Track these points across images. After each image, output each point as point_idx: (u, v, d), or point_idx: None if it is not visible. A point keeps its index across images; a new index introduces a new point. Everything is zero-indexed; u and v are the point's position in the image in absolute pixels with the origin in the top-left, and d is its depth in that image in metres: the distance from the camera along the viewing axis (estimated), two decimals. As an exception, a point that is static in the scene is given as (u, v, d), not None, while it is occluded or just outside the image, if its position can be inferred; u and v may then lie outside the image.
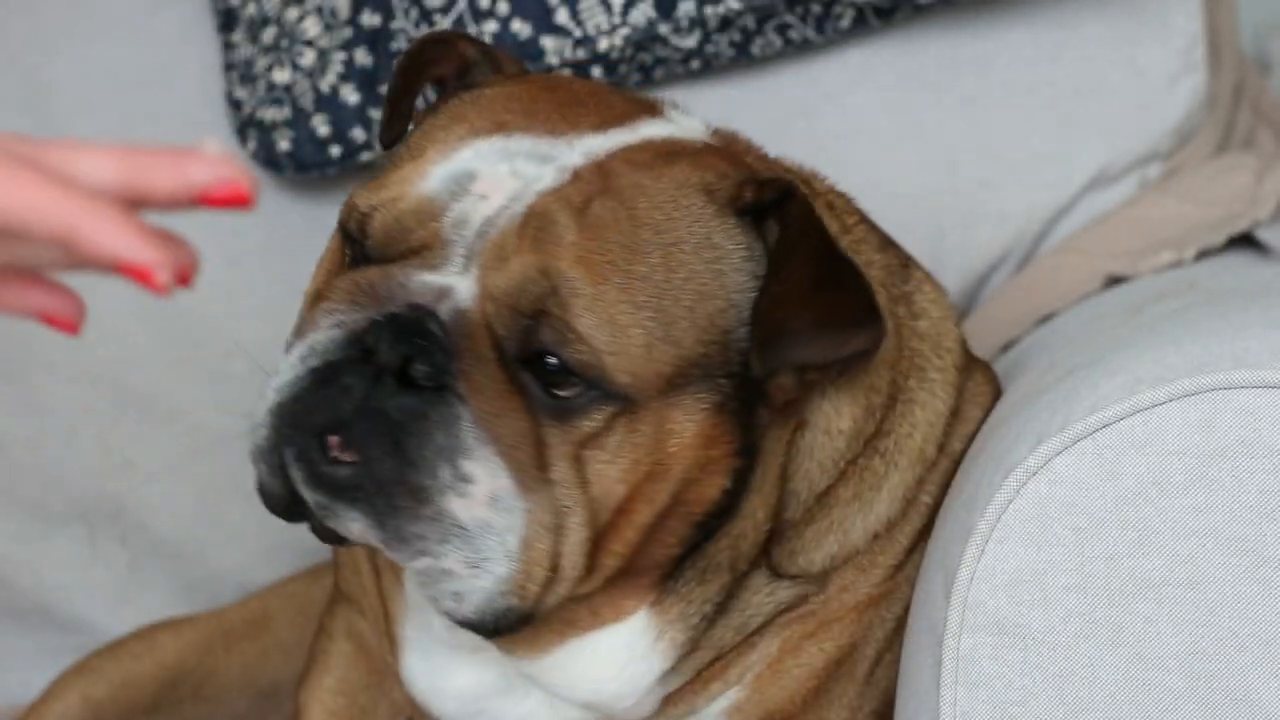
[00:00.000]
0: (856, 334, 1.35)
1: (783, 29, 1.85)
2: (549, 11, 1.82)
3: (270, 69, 1.87)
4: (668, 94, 1.83)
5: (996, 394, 1.53)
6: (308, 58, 1.86)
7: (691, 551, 1.39)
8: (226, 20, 1.90)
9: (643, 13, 1.81)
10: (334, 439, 1.29)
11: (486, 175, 1.33)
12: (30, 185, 0.98)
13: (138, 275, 0.98)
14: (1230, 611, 1.29)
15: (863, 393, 1.42)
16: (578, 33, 1.82)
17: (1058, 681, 1.31)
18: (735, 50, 1.85)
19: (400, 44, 1.83)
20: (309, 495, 1.31)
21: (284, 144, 1.86)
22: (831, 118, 1.89)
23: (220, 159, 1.00)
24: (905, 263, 1.51)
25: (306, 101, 1.85)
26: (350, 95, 1.84)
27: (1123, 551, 1.30)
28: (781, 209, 1.35)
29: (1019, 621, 1.32)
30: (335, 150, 1.85)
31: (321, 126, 1.85)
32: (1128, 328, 1.53)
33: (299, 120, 1.86)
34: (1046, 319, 1.82)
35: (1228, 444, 1.30)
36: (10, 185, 0.98)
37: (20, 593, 1.97)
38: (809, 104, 1.89)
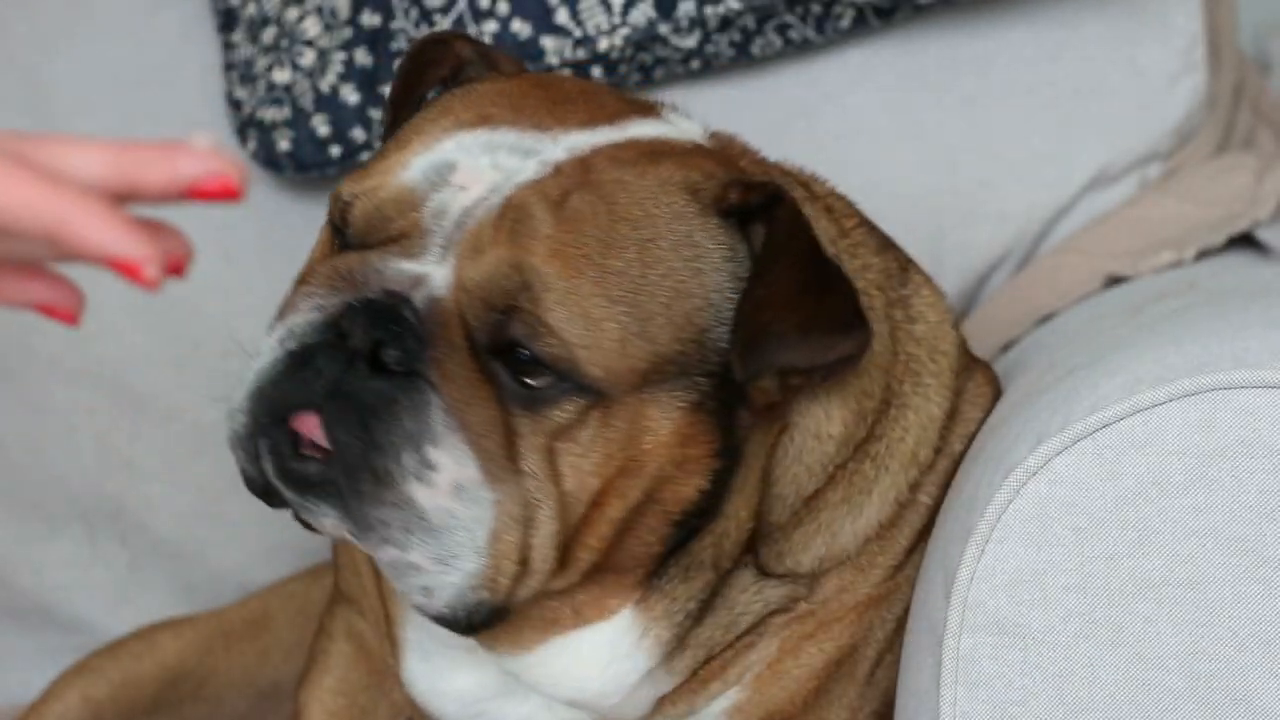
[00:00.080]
0: (841, 339, 1.34)
1: (783, 29, 1.85)
2: (549, 11, 1.82)
3: (270, 69, 1.87)
4: (668, 94, 1.83)
5: (997, 394, 1.53)
6: (308, 58, 1.86)
7: (675, 550, 1.39)
8: (226, 20, 1.90)
9: (643, 13, 1.81)
10: (306, 436, 1.29)
11: (467, 167, 1.34)
12: (19, 181, 0.98)
13: (126, 270, 0.99)
14: (1230, 611, 1.29)
15: (854, 398, 1.42)
16: (578, 33, 1.82)
17: (1058, 681, 1.31)
18: (735, 50, 1.85)
19: (400, 44, 1.83)
20: (281, 488, 1.32)
21: (284, 144, 1.86)
22: (831, 118, 1.89)
23: (209, 152, 1.00)
24: (905, 266, 1.51)
25: (306, 101, 1.85)
26: (350, 95, 1.85)
27: (1123, 551, 1.30)
28: (769, 212, 1.35)
29: (1019, 621, 1.32)
30: (335, 150, 1.85)
31: (321, 126, 1.85)
32: (1128, 328, 1.53)
33: (299, 120, 1.86)
34: (1046, 319, 1.82)
35: (1227, 444, 1.30)
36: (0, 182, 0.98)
37: (20, 593, 1.97)
38: (809, 104, 1.89)
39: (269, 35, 1.87)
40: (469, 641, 1.42)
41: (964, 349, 1.53)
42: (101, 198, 0.99)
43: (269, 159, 1.87)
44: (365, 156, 1.85)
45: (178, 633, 1.84)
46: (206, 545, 1.96)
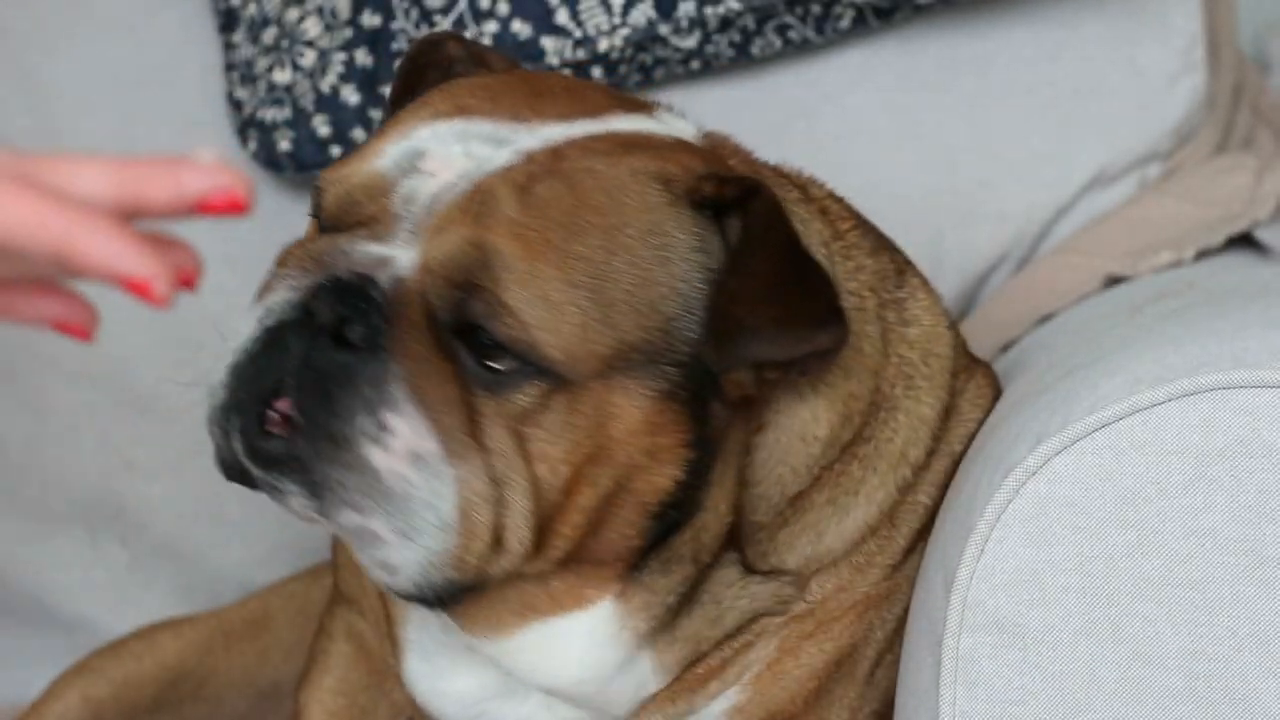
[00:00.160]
0: (817, 333, 1.34)
1: (782, 29, 1.85)
2: (549, 12, 1.82)
3: (271, 69, 1.87)
4: (667, 95, 1.84)
5: (996, 394, 1.53)
6: (308, 58, 1.86)
7: (656, 544, 1.39)
8: (227, 20, 1.90)
9: (643, 13, 1.81)
10: (272, 414, 1.31)
11: (438, 154, 1.35)
12: (24, 201, 0.98)
13: (135, 288, 0.99)
14: (1230, 611, 1.29)
15: (842, 400, 1.42)
16: (578, 33, 1.82)
17: (1057, 681, 1.32)
18: (735, 51, 1.86)
19: (401, 44, 1.83)
20: (249, 467, 1.33)
21: (284, 144, 1.86)
22: (831, 118, 1.89)
23: (216, 166, 1.00)
24: (902, 269, 1.51)
25: (307, 102, 1.85)
26: (351, 96, 1.85)
27: (1123, 551, 1.31)
28: (745, 206, 1.35)
29: (1019, 621, 1.32)
30: (336, 150, 1.85)
31: (322, 127, 1.85)
32: (1127, 328, 1.53)
33: (299, 120, 1.86)
34: (1046, 319, 1.82)
35: (1227, 444, 1.30)
36: (3, 202, 0.98)
37: (20, 593, 1.97)
38: (809, 104, 1.89)
39: (270, 36, 1.87)
40: (469, 642, 1.42)
41: (962, 350, 1.53)
42: (108, 216, 0.99)
43: (270, 159, 1.87)
44: (365, 157, 1.85)
45: (178, 633, 1.84)
46: (206, 545, 1.96)
